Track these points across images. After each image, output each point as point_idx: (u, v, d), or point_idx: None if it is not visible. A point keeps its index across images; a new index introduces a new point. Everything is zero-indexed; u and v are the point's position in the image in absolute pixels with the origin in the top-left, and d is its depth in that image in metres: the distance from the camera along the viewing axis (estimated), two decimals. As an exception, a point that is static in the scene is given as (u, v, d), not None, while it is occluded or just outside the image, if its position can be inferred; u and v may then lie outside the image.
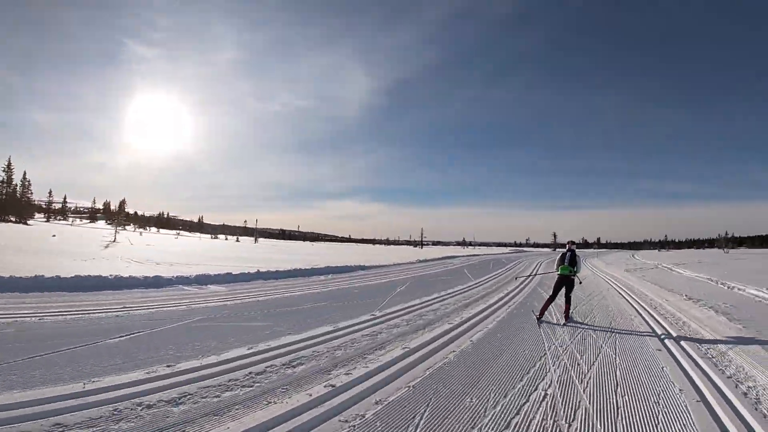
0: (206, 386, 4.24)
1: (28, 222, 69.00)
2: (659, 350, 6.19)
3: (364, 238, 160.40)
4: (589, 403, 4.11)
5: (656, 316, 8.91)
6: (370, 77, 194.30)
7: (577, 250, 9.06)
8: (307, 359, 5.32)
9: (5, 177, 70.98)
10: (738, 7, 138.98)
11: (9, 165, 71.54)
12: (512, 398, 4.22)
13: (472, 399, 4.17)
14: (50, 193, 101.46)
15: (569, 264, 8.79)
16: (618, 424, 3.67)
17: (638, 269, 24.54)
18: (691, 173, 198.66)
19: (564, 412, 3.91)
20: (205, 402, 3.88)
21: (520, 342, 6.57)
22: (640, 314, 9.29)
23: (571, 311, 8.76)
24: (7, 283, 9.63)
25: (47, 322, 6.74)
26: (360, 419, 3.65)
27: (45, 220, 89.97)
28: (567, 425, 3.64)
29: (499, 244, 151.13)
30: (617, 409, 3.99)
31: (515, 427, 3.60)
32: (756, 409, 3.99)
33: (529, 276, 17.06)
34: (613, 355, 5.87)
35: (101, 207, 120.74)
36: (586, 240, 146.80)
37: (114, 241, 37.33)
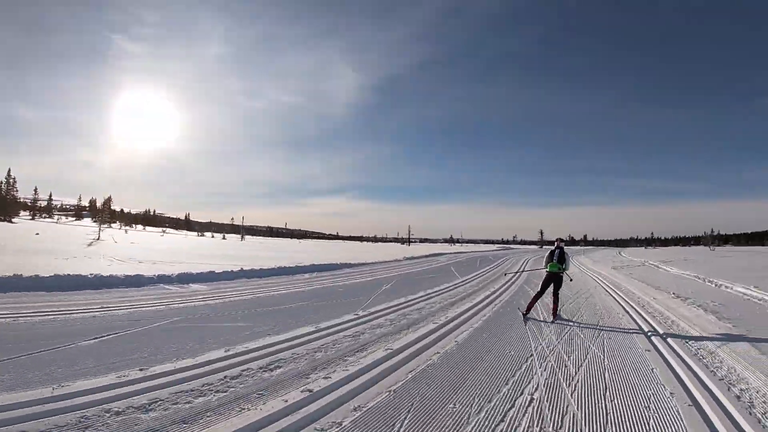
0: (179, 391, 4.05)
1: (13, 220, 68.21)
2: (648, 350, 6.08)
3: (352, 235, 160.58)
4: (577, 409, 3.95)
5: (644, 315, 8.82)
6: (359, 74, 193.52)
7: (565, 247, 9.07)
8: (285, 362, 5.14)
9: (-10, 175, 69.93)
10: (729, 7, 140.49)
11: (-7, 163, 70.43)
12: (497, 403, 4.05)
13: (455, 404, 4.00)
14: (36, 190, 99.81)
15: (558, 261, 8.86)
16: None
17: (625, 267, 24.64)
18: (678, 172, 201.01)
19: (551, 418, 3.75)
20: (176, 409, 3.68)
21: (506, 342, 6.42)
22: (628, 313, 9.21)
23: (559, 309, 8.74)
24: (-17, 282, 9.31)
25: (21, 323, 6.51)
26: (337, 427, 3.46)
27: (30, 218, 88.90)
28: (554, 433, 3.48)
29: (486, 242, 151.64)
30: (606, 414, 3.84)
31: (500, 435, 3.44)
32: (750, 413, 3.87)
33: (517, 272, 17.01)
34: (602, 356, 5.74)
35: (87, 205, 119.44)
36: (572, 237, 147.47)
37: (98, 239, 36.83)
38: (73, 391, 3.90)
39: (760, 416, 3.80)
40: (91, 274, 11.29)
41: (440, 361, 5.40)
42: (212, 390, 4.13)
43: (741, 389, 4.47)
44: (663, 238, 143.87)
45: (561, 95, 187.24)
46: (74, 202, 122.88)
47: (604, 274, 19.78)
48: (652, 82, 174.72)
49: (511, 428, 3.53)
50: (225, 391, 4.11)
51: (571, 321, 8.20)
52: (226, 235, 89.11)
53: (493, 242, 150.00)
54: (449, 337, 6.67)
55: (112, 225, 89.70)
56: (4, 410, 3.44)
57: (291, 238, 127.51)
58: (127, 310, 7.88)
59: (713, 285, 13.63)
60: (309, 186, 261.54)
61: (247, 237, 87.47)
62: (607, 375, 4.96)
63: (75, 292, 9.52)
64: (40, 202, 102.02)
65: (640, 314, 8.95)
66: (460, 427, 3.52)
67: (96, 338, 5.79)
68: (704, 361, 5.52)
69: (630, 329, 7.60)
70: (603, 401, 4.15)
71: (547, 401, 4.12)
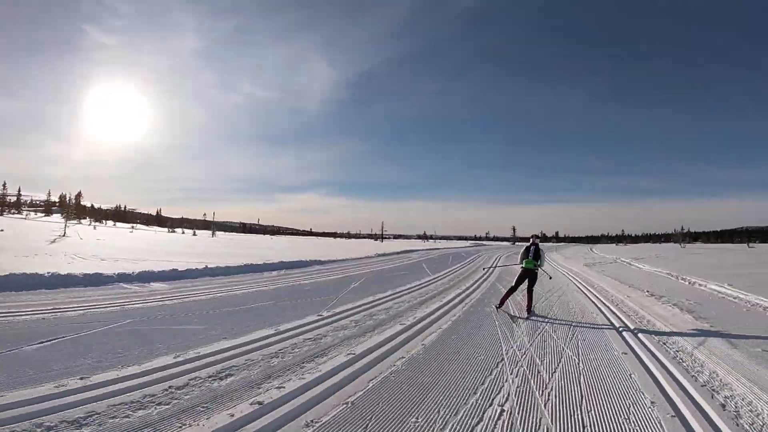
0: (118, 403, 3.71)
1: (-21, 216, 65.70)
2: (625, 353, 5.81)
3: (326, 231, 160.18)
4: (552, 422, 3.62)
5: (619, 314, 8.62)
6: (333, 69, 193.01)
7: (540, 244, 9.09)
8: (237, 369, 4.74)
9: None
10: (702, 9, 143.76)
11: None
12: (464, 417, 3.69)
13: (418, 418, 3.63)
14: (4, 185, 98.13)
15: (533, 258, 8.92)
16: (585, 450, 3.19)
17: (597, 263, 24.75)
18: (648, 170, 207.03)
19: (523, 433, 3.41)
20: (112, 424, 3.35)
21: (475, 345, 6.09)
22: (602, 312, 9.01)
23: (532, 306, 8.74)
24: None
25: (-41, 328, 6.00)
26: (284, 448, 3.06)
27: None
28: (526, 452, 3.14)
29: (459, 238, 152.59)
30: (583, 428, 3.51)
31: (465, 456, 3.07)
32: (737, 424, 3.60)
33: (490, 268, 16.86)
34: (576, 360, 5.44)
35: (57, 200, 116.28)
36: (545, 234, 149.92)
37: (63, 235, 35.63)
38: (6, 403, 3.58)
39: (747, 427, 3.54)
40: (48, 273, 10.75)
41: (405, 367, 5.04)
42: (154, 402, 3.79)
43: (725, 397, 4.21)
44: (634, 235, 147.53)
45: (534, 93, 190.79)
46: (44, 197, 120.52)
47: (577, 271, 19.74)
48: (623, 82, 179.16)
49: (478, 447, 3.18)
50: (168, 404, 3.76)
51: (544, 321, 7.94)
52: (196, 231, 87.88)
53: (466, 238, 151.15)
54: (416, 339, 6.33)
55: (82, 221, 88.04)
56: None
57: (264, 234, 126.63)
58: (80, 311, 7.44)
59: (686, 282, 13.65)
60: (282, 182, 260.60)
61: (218, 233, 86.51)
62: (582, 381, 4.65)
63: (28, 293, 9.01)
64: (9, 197, 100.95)
65: (614, 313, 8.76)
66: (421, 448, 3.15)
67: (41, 343, 5.42)
68: (684, 364, 5.27)
69: (605, 329, 7.36)
70: (579, 412, 3.83)
71: (518, 413, 3.77)
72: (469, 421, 3.60)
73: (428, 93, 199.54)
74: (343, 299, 9.75)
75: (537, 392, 4.29)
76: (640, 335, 6.85)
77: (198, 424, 3.37)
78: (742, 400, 4.11)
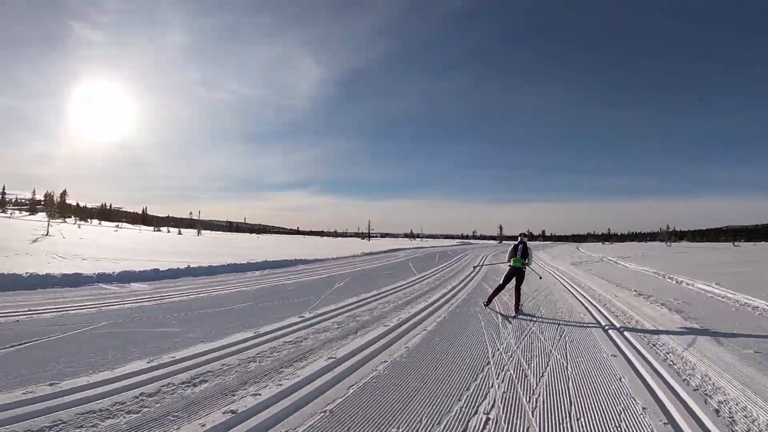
0: (85, 412, 3.53)
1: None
2: (614, 356, 5.67)
3: (313, 230, 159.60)
4: (540, 431, 3.44)
5: (607, 315, 8.51)
6: (321, 67, 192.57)
7: (528, 242, 9.11)
8: (213, 375, 4.53)
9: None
10: (684, 10, 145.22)
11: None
12: (448, 426, 3.50)
13: (399, 428, 3.43)
14: None
15: (521, 256, 9.00)
16: (575, 462, 3.02)
17: (584, 262, 24.76)
18: (634, 169, 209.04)
19: (509, 445, 3.23)
20: None
21: (460, 348, 5.91)
22: (590, 312, 8.89)
23: (520, 305, 8.74)
24: None
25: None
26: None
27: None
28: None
29: (446, 236, 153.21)
30: (573, 438, 3.34)
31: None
32: (732, 431, 3.45)
33: (477, 267, 16.77)
34: (565, 363, 5.29)
35: (42, 199, 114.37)
36: (531, 232, 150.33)
37: (46, 234, 35.03)
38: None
39: (743, 436, 3.39)
40: (26, 273, 10.41)
41: (387, 371, 4.85)
42: (123, 410, 3.60)
43: (719, 401, 4.07)
44: (620, 233, 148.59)
45: (520, 93, 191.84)
46: (29, 196, 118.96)
47: (563, 270, 19.70)
48: (610, 82, 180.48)
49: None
50: (137, 412, 3.58)
51: (531, 321, 7.79)
52: (182, 230, 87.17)
53: (453, 237, 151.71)
54: (400, 342, 6.13)
55: (67, 220, 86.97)
56: None
57: (250, 232, 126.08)
58: (55, 313, 7.19)
59: (674, 282, 13.63)
60: (270, 180, 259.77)
61: (204, 232, 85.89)
62: (571, 386, 4.49)
63: (4, 294, 8.75)
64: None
65: (602, 314, 8.64)
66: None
67: (13, 347, 5.21)
68: (675, 367, 5.14)
69: (593, 330, 7.23)
70: (568, 420, 3.66)
71: (504, 422, 3.60)
72: (454, 430, 3.42)
73: (415, 92, 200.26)
74: (327, 300, 9.54)
75: (524, 398, 4.12)
76: (628, 336, 6.73)
77: (166, 436, 3.17)
78: (736, 405, 3.98)
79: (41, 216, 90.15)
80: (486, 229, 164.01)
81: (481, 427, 3.50)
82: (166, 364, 4.79)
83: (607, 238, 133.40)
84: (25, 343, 5.37)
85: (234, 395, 4.00)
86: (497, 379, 4.66)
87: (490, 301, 9.07)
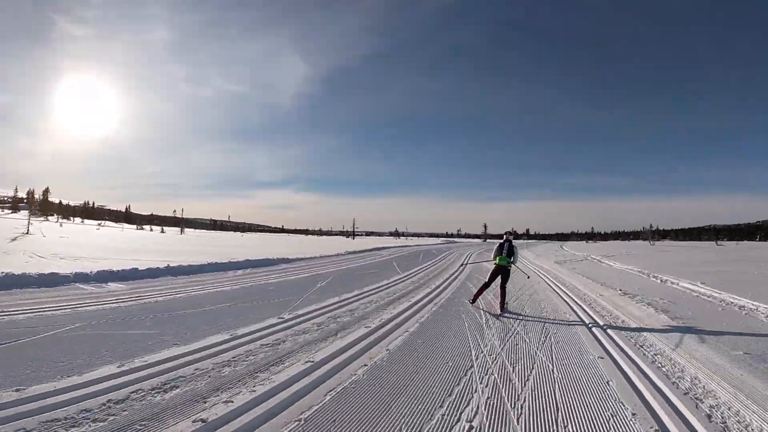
0: (49, 420, 3.36)
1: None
2: (601, 358, 5.53)
3: (298, 228, 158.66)
4: (525, 440, 3.26)
5: (593, 315, 8.41)
6: (306, 65, 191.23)
7: (514, 241, 9.13)
8: (185, 381, 4.30)
9: None
10: (665, 11, 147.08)
11: None
12: (428, 436, 3.30)
13: (376, 438, 3.23)
14: None
15: (507, 255, 9.01)
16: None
17: (568, 261, 24.80)
18: (618, 169, 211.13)
19: (493, 457, 3.04)
20: None
21: (443, 350, 5.72)
22: (575, 312, 8.79)
23: (506, 303, 8.74)
24: None
25: None
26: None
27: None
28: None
29: (431, 235, 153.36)
30: (560, 448, 3.16)
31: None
32: (725, 440, 3.30)
33: (461, 265, 16.67)
34: (551, 366, 5.13)
35: (25, 196, 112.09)
36: (516, 231, 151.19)
37: (26, 233, 34.13)
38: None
39: (737, 443, 3.24)
40: (1, 273, 10.02)
41: (367, 376, 4.64)
42: (89, 419, 3.42)
43: (710, 406, 3.93)
44: (603, 232, 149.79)
45: (504, 92, 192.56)
46: (11, 193, 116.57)
47: (548, 269, 19.71)
48: (594, 82, 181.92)
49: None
50: (103, 421, 3.39)
51: (516, 321, 7.65)
52: (165, 228, 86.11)
53: (438, 236, 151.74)
54: (381, 344, 5.93)
55: (49, 218, 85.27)
56: None
57: (235, 231, 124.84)
58: (29, 314, 6.89)
59: (658, 280, 13.61)
60: (255, 178, 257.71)
61: (188, 230, 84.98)
62: (557, 391, 4.32)
63: None
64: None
65: (588, 314, 8.53)
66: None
67: None
68: (664, 369, 5.02)
69: (579, 331, 7.10)
70: (555, 428, 3.48)
71: (488, 430, 3.40)
72: (434, 442, 3.22)
73: (401, 90, 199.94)
74: (308, 300, 9.30)
75: (509, 404, 3.94)
76: (615, 337, 6.62)
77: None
78: (729, 409, 3.85)
79: (23, 214, 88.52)
80: (471, 228, 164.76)
81: (463, 436, 3.31)
82: (137, 369, 4.57)
83: (591, 236, 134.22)
84: (-6, 346, 5.12)
85: (205, 402, 3.79)
86: (481, 383, 4.47)
87: (476, 299, 9.18)
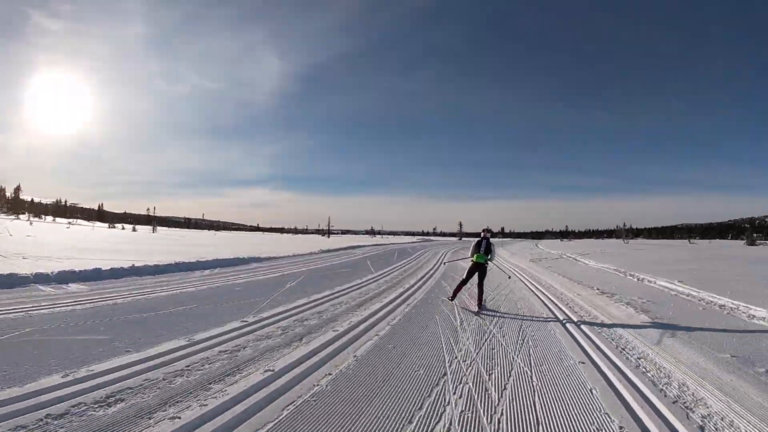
0: None
1: None
2: (582, 363, 5.24)
3: (273, 227, 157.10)
4: (503, 462, 2.91)
5: (571, 315, 8.16)
6: (283, 62, 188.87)
7: (492, 238, 9.20)
8: (131, 393, 3.92)
9: None
10: (639, 11, 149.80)
11: None
12: (394, 458, 2.93)
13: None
14: None
15: (484, 252, 9.13)
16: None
17: (543, 259, 24.81)
18: (591, 168, 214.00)
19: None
20: None
21: (415, 357, 5.36)
22: (553, 312, 8.55)
23: (483, 300, 8.80)
24: None
25: None
26: None
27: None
28: None
29: (407, 233, 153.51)
30: (543, 471, 2.82)
31: None
32: (721, 456, 3.00)
33: (436, 264, 16.44)
34: (529, 373, 4.81)
35: None
36: (491, 229, 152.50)
37: None
38: None
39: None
40: None
41: (331, 387, 4.26)
42: None
43: (702, 416, 3.66)
44: (577, 231, 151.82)
45: (479, 91, 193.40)
46: None
47: (523, 267, 19.55)
48: (566, 83, 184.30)
49: None
50: None
51: (492, 323, 7.36)
52: (137, 226, 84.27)
53: (413, 234, 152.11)
54: (348, 350, 5.57)
55: (20, 216, 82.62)
56: None
57: (209, 229, 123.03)
58: None
59: (635, 279, 13.56)
60: (230, 176, 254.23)
61: (161, 228, 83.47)
62: (537, 401, 4.00)
63: None
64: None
65: (566, 315, 8.28)
66: None
67: None
68: (649, 375, 4.74)
69: (558, 334, 6.82)
70: (536, 446, 3.14)
71: (462, 450, 3.05)
72: (400, 466, 2.86)
73: (377, 89, 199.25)
74: (275, 301, 8.87)
75: (485, 418, 3.59)
76: (595, 339, 6.36)
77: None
78: (722, 420, 3.58)
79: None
80: (446, 226, 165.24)
81: (434, 458, 2.95)
82: (83, 379, 4.20)
83: (565, 235, 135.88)
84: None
85: (150, 419, 3.43)
86: (454, 394, 4.12)
87: (454, 296, 9.30)
